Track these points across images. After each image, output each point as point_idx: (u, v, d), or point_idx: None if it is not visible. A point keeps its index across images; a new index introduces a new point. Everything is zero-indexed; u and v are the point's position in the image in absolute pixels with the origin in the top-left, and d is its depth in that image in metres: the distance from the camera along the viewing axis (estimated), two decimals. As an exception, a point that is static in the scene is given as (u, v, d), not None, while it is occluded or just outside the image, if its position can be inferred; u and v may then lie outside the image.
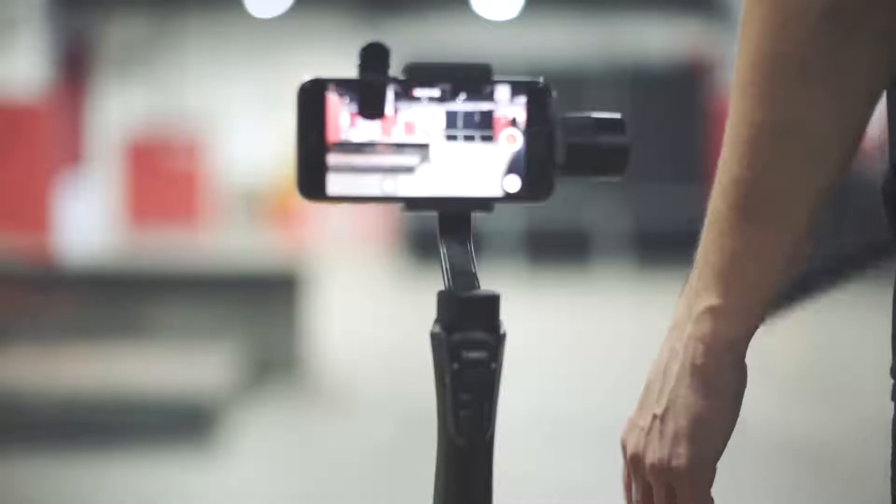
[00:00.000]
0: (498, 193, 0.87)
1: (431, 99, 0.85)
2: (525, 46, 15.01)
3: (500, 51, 14.65)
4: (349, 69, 0.86)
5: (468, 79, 0.86)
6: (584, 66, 14.81)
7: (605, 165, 0.89)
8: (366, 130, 0.85)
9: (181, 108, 16.69)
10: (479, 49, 14.09)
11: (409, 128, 0.85)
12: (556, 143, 0.87)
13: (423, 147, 0.86)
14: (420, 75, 0.85)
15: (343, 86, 0.84)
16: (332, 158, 0.84)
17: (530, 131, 0.87)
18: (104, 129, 16.41)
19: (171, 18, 16.82)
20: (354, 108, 0.84)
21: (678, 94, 14.64)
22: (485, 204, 0.87)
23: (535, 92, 0.87)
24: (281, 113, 15.96)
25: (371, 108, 0.84)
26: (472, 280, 0.85)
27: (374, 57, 0.84)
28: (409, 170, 0.85)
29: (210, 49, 17.13)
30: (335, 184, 0.84)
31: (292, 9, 15.54)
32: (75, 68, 15.28)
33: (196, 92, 17.01)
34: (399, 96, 0.85)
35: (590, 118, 0.89)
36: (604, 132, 0.89)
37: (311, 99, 0.84)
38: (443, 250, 0.86)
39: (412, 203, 0.86)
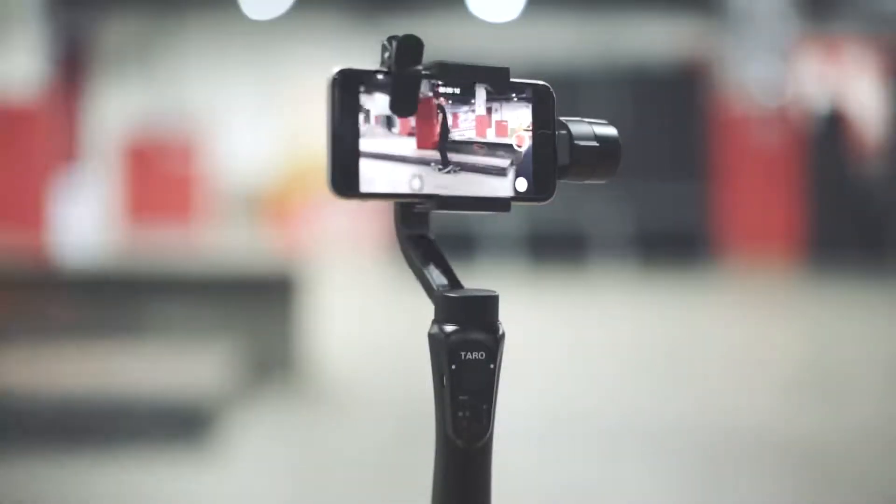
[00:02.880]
0: (511, 193, 0.87)
1: (455, 98, 0.85)
2: (524, 47, 15.01)
3: (500, 51, 14.64)
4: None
5: (488, 80, 0.86)
6: (583, 66, 14.81)
7: (603, 167, 0.91)
8: (400, 127, 0.83)
9: (178, 109, 16.68)
10: (479, 50, 14.09)
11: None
12: (558, 144, 0.89)
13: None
14: (446, 74, 0.85)
15: (375, 79, 0.82)
16: (365, 155, 0.82)
17: (537, 133, 0.87)
18: (101, 129, 16.41)
19: (168, 19, 16.82)
20: (386, 102, 0.82)
21: (678, 94, 14.65)
22: (503, 203, 0.87)
23: (541, 94, 0.88)
24: (278, 114, 15.96)
25: (404, 102, 0.82)
26: (454, 277, 0.86)
27: (409, 50, 0.82)
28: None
29: (208, 49, 17.13)
30: (367, 181, 0.82)
31: (290, 10, 15.54)
32: (73, 68, 15.29)
33: (194, 92, 17.00)
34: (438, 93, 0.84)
35: (585, 121, 0.91)
36: (602, 135, 0.90)
37: (343, 92, 0.81)
38: (413, 250, 0.87)
39: (442, 202, 0.85)
